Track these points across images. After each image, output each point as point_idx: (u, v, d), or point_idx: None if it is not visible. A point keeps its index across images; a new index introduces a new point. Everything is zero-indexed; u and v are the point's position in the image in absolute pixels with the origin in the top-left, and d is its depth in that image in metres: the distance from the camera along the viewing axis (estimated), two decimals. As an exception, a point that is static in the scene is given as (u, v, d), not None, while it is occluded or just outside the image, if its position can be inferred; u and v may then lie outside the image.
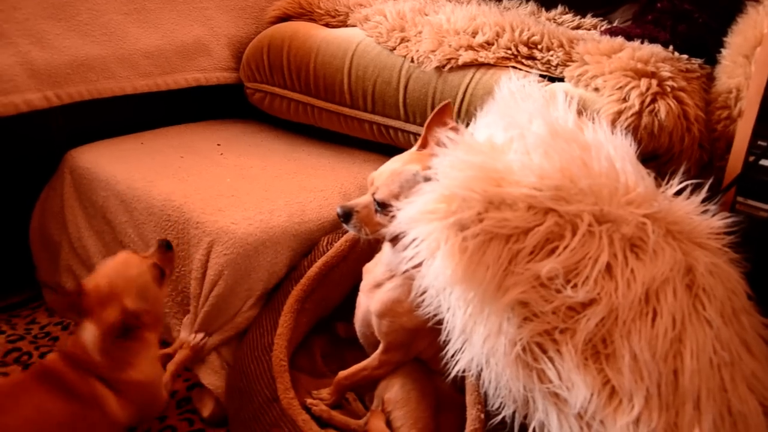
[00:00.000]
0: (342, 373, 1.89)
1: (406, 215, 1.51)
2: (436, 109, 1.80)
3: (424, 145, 1.81)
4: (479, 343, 1.49)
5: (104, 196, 2.26)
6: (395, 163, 1.77)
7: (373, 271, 1.90)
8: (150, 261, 1.77)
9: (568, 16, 3.06)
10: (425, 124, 1.80)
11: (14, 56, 2.20)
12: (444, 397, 1.81)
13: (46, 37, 2.30)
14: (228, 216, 2.03)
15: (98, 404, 1.57)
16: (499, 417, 1.57)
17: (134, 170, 2.29)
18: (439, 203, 1.46)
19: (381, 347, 1.84)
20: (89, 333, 1.63)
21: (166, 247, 1.84)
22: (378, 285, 1.86)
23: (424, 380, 1.82)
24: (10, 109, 2.18)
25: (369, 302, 1.87)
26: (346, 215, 1.76)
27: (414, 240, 1.51)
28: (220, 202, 2.11)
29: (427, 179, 1.56)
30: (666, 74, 1.99)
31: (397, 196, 1.67)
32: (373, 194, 1.73)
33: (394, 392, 1.80)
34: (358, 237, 1.79)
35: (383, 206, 1.71)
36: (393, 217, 1.62)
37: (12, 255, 2.52)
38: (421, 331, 1.75)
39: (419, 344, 1.83)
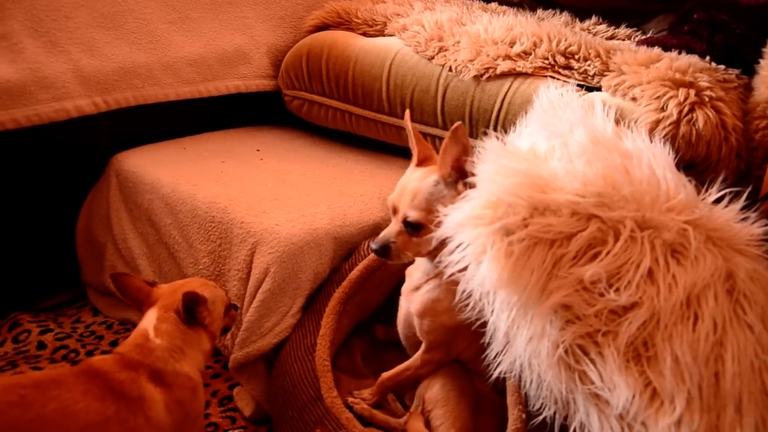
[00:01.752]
0: (385, 374, 1.93)
1: (453, 220, 1.55)
2: (450, 133, 1.71)
3: (421, 161, 1.83)
4: (522, 346, 1.53)
5: (149, 199, 2.33)
6: (410, 183, 1.76)
7: (413, 274, 1.94)
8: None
9: (602, 27, 3.08)
10: (443, 147, 1.74)
11: (66, 63, 2.27)
12: (483, 399, 1.85)
13: (96, 45, 2.37)
14: (272, 218, 2.09)
15: (143, 408, 1.52)
16: (540, 417, 1.60)
17: (178, 174, 2.36)
18: (486, 209, 1.50)
19: (423, 347, 1.89)
20: (151, 317, 1.66)
21: (234, 307, 1.90)
22: (416, 288, 1.90)
23: (464, 381, 1.86)
24: (61, 115, 2.26)
25: (409, 305, 1.91)
26: (384, 249, 1.76)
27: (460, 245, 1.55)
28: (263, 205, 2.17)
29: (471, 186, 1.60)
30: (704, 84, 2.01)
31: (429, 213, 1.70)
32: (404, 219, 1.73)
33: (434, 391, 1.83)
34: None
35: (417, 227, 1.73)
36: (428, 234, 1.68)
37: (59, 255, 2.59)
38: (462, 329, 1.77)
39: (460, 344, 1.87)
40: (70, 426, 1.41)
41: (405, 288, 1.97)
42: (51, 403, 1.40)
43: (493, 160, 1.58)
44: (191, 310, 1.65)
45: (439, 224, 1.61)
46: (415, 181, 1.75)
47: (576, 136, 1.65)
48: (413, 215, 1.71)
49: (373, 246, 1.78)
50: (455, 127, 1.67)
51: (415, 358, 1.90)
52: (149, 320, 1.66)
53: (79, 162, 2.51)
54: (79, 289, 2.65)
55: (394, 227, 1.77)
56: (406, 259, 1.80)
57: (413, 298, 1.90)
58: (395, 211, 1.78)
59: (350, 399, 1.91)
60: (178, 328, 1.65)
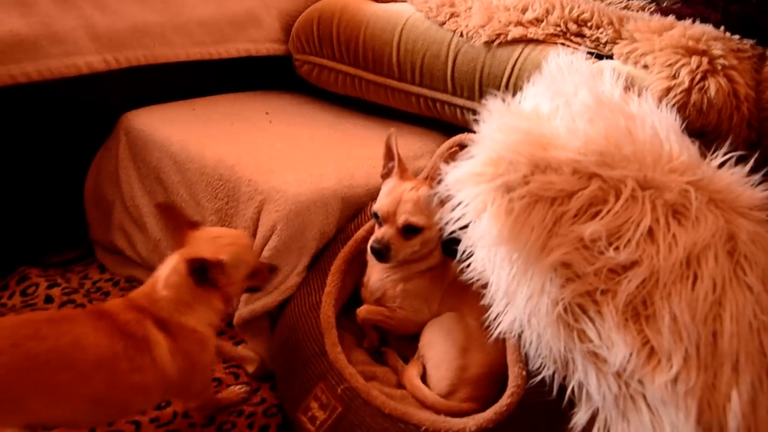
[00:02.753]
0: (365, 308, 2.04)
1: (454, 177, 1.55)
2: (447, 155, 1.96)
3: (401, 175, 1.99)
4: (522, 303, 1.54)
5: (158, 157, 2.34)
6: (405, 193, 1.90)
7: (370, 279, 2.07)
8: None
9: (616, -1, 3.06)
10: (435, 167, 1.93)
11: (78, 19, 2.27)
12: (474, 337, 1.87)
13: (108, 2, 2.38)
14: (279, 177, 2.10)
15: (149, 348, 1.56)
16: (539, 377, 1.62)
17: (187, 133, 2.37)
18: (487, 166, 1.51)
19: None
20: (168, 264, 1.66)
21: (270, 269, 1.87)
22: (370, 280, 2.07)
23: (453, 324, 1.94)
24: (72, 71, 2.26)
25: (372, 296, 2.05)
26: (387, 249, 1.88)
27: (460, 203, 1.56)
28: (271, 164, 2.18)
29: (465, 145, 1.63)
30: (717, 52, 2.00)
31: (427, 218, 1.87)
32: (405, 224, 1.87)
33: (425, 337, 1.95)
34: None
35: (416, 231, 1.88)
36: (419, 238, 1.89)
37: (68, 213, 2.61)
38: (431, 293, 2.00)
39: (433, 306, 2.01)
40: (83, 359, 1.47)
41: (364, 292, 2.10)
42: (65, 337, 1.47)
43: (495, 119, 1.58)
44: (202, 271, 1.61)
45: (432, 227, 1.85)
46: (411, 192, 1.90)
47: (580, 96, 1.65)
48: (415, 220, 1.86)
49: (376, 246, 1.89)
50: (451, 151, 1.94)
51: (394, 309, 2.00)
52: (165, 268, 1.66)
53: (89, 120, 2.51)
54: (87, 246, 2.67)
55: (389, 231, 1.89)
56: (396, 260, 1.92)
57: (372, 290, 2.05)
58: (388, 219, 1.90)
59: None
60: (187, 282, 1.62)
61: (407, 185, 1.92)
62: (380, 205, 1.91)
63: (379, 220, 1.91)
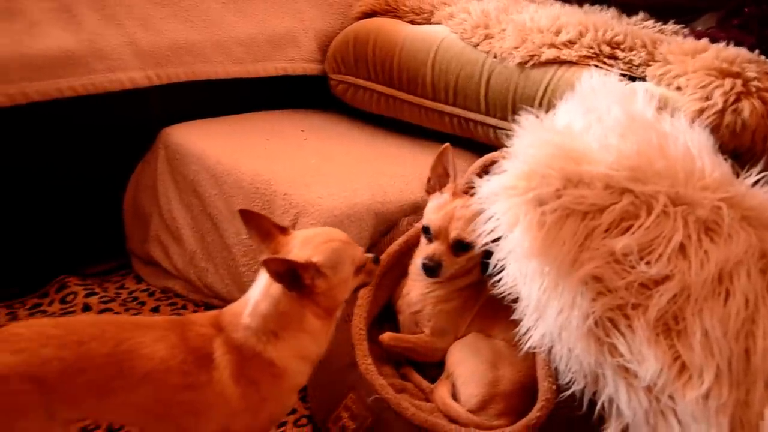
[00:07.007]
0: (389, 335, 2.02)
1: (488, 190, 1.58)
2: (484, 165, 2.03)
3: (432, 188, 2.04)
4: (552, 317, 1.55)
5: (195, 170, 2.39)
6: (458, 210, 1.89)
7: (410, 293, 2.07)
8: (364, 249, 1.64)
9: (649, 23, 3.06)
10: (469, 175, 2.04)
11: (122, 37, 2.36)
12: (502, 355, 1.89)
13: (151, 20, 2.46)
14: (314, 191, 2.14)
15: (210, 366, 1.46)
16: (569, 391, 1.62)
17: (224, 148, 2.42)
18: (519, 179, 1.54)
19: (427, 331, 2.01)
20: (258, 285, 1.54)
21: (375, 260, 1.70)
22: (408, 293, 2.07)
23: (480, 342, 1.95)
24: (115, 85, 2.34)
25: (408, 311, 2.06)
26: (437, 266, 1.89)
27: (493, 216, 1.59)
28: (306, 179, 2.22)
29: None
30: (751, 74, 2.00)
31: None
32: (457, 240, 1.88)
33: (453, 356, 1.95)
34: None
35: (468, 247, 1.88)
36: (468, 255, 1.89)
37: (107, 225, 2.67)
38: (464, 312, 2.00)
39: (461, 328, 2.00)
40: (134, 368, 1.43)
41: (401, 304, 2.09)
42: (125, 343, 1.44)
43: (528, 134, 1.60)
44: (293, 278, 1.45)
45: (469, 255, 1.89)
46: (462, 210, 1.88)
47: (613, 112, 1.67)
48: (467, 237, 1.85)
49: (428, 263, 1.90)
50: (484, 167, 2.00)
51: (420, 336, 2.01)
52: (256, 290, 1.54)
53: (130, 135, 2.58)
54: (124, 258, 2.73)
55: (440, 248, 1.90)
56: (444, 276, 1.93)
57: (410, 303, 2.05)
58: (439, 234, 1.91)
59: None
60: (277, 309, 1.49)
61: (459, 202, 1.91)
62: (431, 220, 1.92)
63: (430, 235, 1.92)
